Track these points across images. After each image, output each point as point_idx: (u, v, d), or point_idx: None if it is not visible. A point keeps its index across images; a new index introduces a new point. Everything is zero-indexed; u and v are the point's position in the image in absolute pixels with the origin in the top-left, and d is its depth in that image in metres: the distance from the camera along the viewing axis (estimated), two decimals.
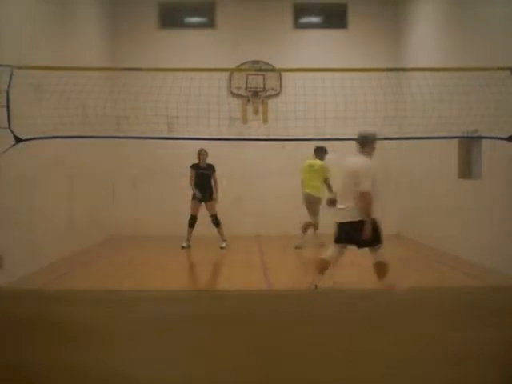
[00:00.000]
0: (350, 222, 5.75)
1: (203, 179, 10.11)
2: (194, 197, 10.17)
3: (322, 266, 6.07)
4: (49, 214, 8.29)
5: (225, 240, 10.19)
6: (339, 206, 5.99)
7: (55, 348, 1.35)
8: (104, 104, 9.23)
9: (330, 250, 6.06)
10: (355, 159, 5.90)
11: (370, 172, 5.77)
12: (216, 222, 10.17)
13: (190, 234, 10.24)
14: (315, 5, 12.75)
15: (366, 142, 5.91)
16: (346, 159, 6.07)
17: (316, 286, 6.01)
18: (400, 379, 1.18)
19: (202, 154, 10.08)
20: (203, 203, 10.16)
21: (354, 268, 8.70)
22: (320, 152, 10.02)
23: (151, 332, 1.49)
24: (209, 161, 10.21)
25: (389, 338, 1.43)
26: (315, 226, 10.07)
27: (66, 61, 8.44)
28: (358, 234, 5.66)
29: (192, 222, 10.21)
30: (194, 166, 10.17)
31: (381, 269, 5.85)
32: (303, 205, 10.08)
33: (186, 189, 10.24)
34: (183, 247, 10.17)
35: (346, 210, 5.81)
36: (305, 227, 10.10)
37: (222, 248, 10.11)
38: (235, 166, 11.90)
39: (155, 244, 10.78)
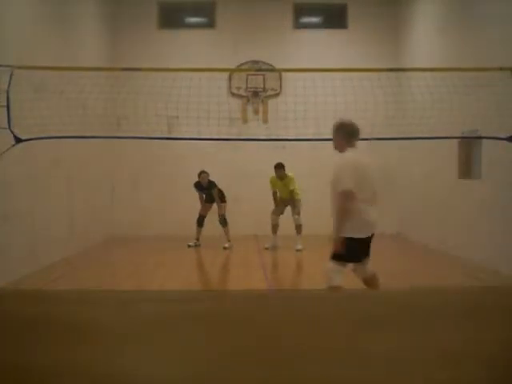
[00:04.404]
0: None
1: (209, 197, 10.30)
2: (204, 199, 10.38)
3: None
4: (49, 214, 8.29)
5: (229, 240, 10.22)
6: None
7: (55, 348, 1.35)
8: (104, 104, 9.25)
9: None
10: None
11: None
12: (223, 221, 10.27)
13: (198, 232, 10.39)
14: (315, 5, 12.75)
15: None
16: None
17: None
18: (400, 379, 1.18)
19: (201, 177, 10.08)
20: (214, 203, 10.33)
21: None
22: (282, 168, 10.08)
23: (151, 332, 1.49)
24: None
25: (388, 339, 1.43)
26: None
27: (66, 61, 8.43)
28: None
29: (200, 221, 10.34)
30: (197, 186, 10.22)
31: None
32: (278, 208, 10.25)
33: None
34: (189, 246, 10.26)
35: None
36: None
37: (225, 248, 10.13)
38: (235, 166, 11.90)
39: (155, 244, 10.78)
